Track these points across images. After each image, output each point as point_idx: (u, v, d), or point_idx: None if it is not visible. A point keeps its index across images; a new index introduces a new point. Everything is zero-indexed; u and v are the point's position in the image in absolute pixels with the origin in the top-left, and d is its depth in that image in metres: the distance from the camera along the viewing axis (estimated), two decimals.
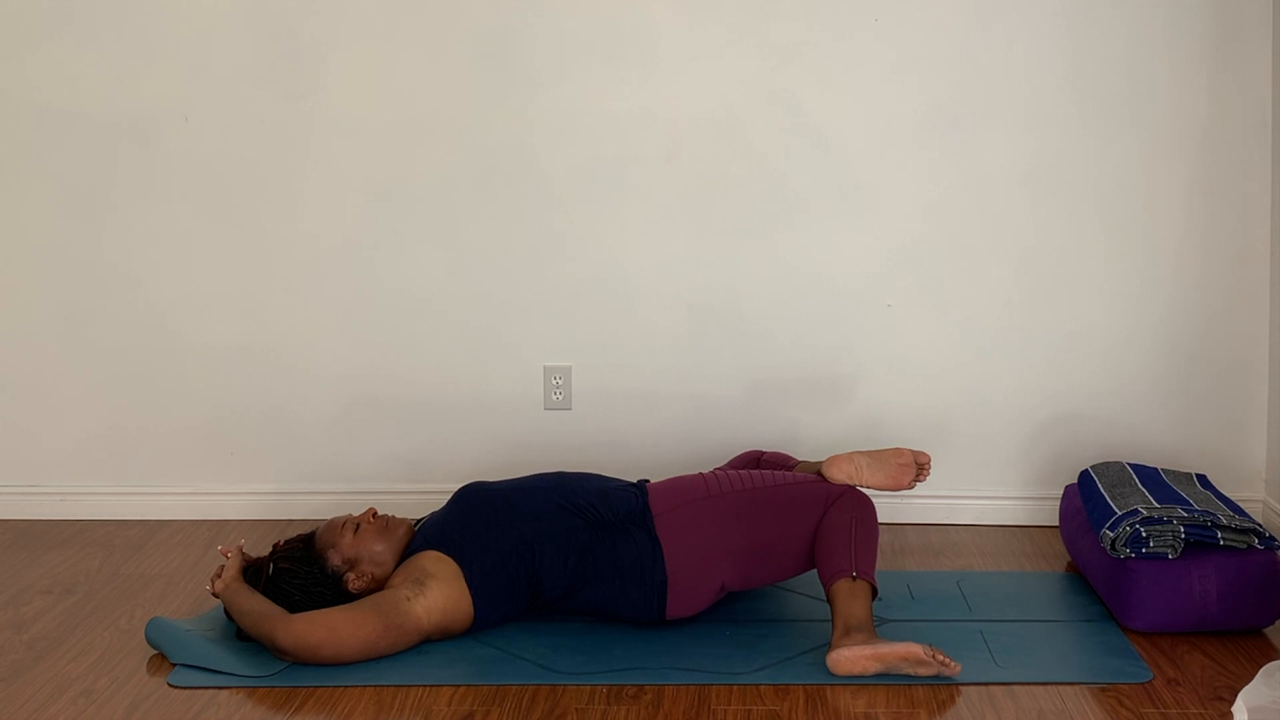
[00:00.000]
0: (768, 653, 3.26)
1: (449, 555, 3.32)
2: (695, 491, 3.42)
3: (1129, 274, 4.18)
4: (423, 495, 4.18)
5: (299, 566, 3.35)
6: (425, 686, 3.09)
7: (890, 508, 4.13)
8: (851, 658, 3.09)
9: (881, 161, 4.18)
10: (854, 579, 3.22)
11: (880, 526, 3.43)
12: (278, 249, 4.27)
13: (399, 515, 3.53)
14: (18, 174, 4.26)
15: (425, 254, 4.26)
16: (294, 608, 3.28)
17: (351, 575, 3.35)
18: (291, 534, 4.00)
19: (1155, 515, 3.39)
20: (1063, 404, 4.23)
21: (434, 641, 3.28)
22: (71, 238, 4.27)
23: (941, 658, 3.08)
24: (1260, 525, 3.42)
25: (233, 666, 3.17)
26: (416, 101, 4.20)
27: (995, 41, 4.12)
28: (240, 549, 3.42)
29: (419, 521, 3.55)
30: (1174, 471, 3.88)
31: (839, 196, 4.20)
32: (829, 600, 3.24)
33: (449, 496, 3.54)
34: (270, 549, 3.46)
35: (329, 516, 3.80)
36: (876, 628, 3.28)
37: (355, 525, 3.39)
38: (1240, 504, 3.72)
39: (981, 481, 4.28)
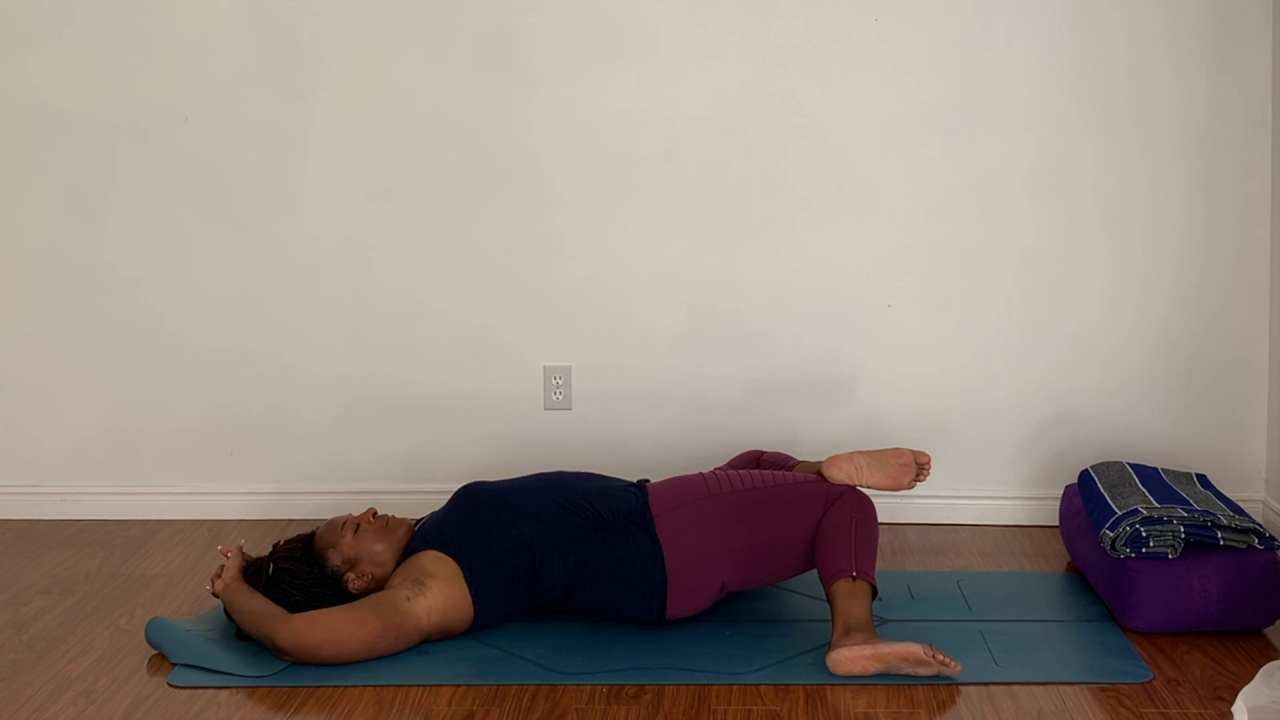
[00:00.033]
0: (768, 653, 3.26)
1: (449, 555, 3.32)
2: (695, 491, 3.42)
3: (1129, 274, 4.18)
4: (423, 495, 4.18)
5: (299, 566, 3.35)
6: (425, 686, 3.09)
7: (890, 508, 4.13)
8: (851, 658, 3.09)
9: (881, 161, 4.18)
10: (854, 579, 3.22)
11: (880, 526, 3.43)
12: (278, 249, 4.27)
13: (399, 515, 3.53)
14: (18, 174, 4.26)
15: (425, 254, 4.26)
16: (294, 608, 3.28)
17: (351, 575, 3.35)
18: (291, 534, 4.00)
19: (1155, 515, 3.39)
20: (1063, 404, 4.23)
21: (434, 641, 3.28)
22: (71, 238, 4.28)
23: (941, 658, 3.08)
24: (1260, 525, 3.42)
25: (233, 666, 3.17)
26: (416, 101, 4.20)
27: (995, 41, 4.12)
28: (240, 549, 3.42)
29: (419, 521, 3.55)
30: (1174, 471, 3.88)
31: (839, 196, 4.20)
32: (829, 600, 3.24)
33: (449, 496, 3.54)
34: (270, 549, 3.46)
35: (329, 516, 3.79)
36: (876, 628, 3.28)
37: (355, 525, 3.39)
38: (1240, 504, 3.72)
39: (981, 481, 4.28)
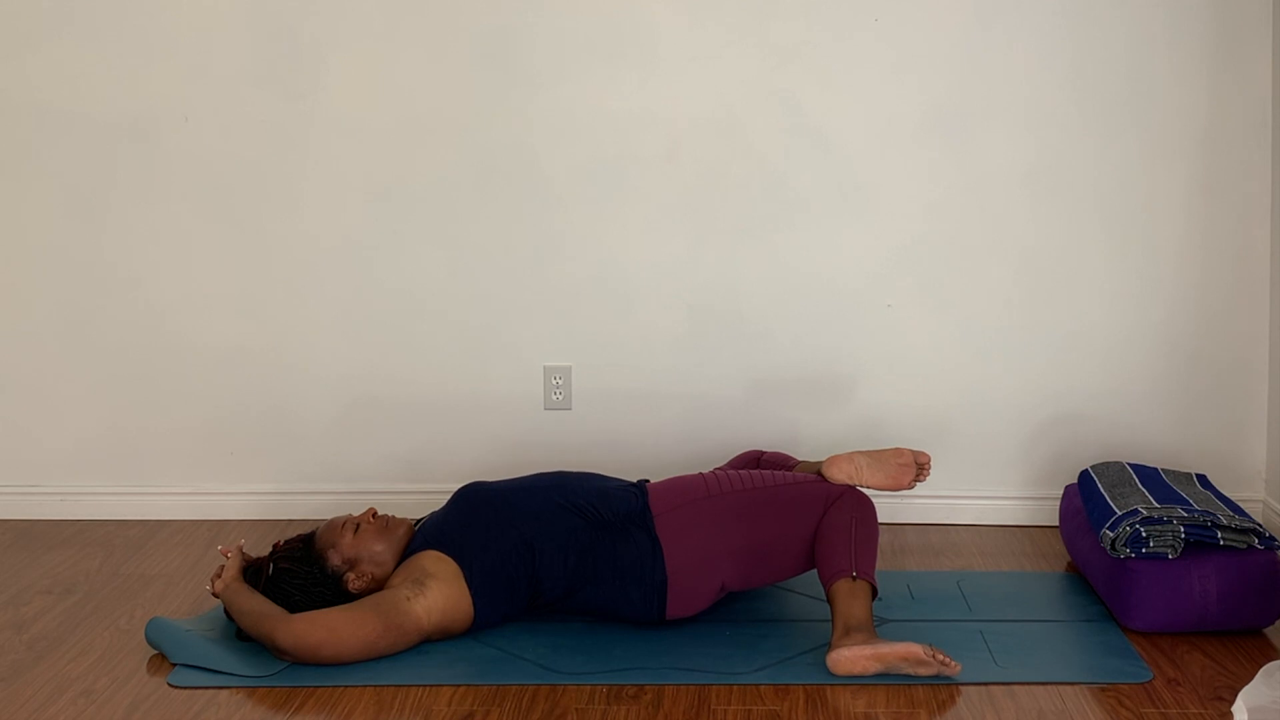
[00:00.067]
0: (768, 653, 3.26)
1: (449, 555, 3.32)
2: (695, 491, 3.42)
3: (1129, 274, 4.18)
4: (423, 495, 4.18)
5: (299, 566, 3.35)
6: (425, 686, 3.09)
7: (890, 508, 4.13)
8: (851, 658, 3.09)
9: (881, 161, 4.18)
10: (854, 579, 3.22)
11: (880, 526, 3.43)
12: (278, 249, 4.27)
13: (399, 515, 3.53)
14: (18, 174, 4.26)
15: (425, 254, 4.26)
16: (294, 608, 3.28)
17: (351, 575, 3.35)
18: (291, 534, 4.00)
19: (1155, 515, 3.39)
20: (1063, 404, 4.23)
21: (434, 641, 3.28)
22: (71, 238, 4.28)
23: (941, 658, 3.08)
24: (1260, 525, 3.42)
25: (233, 666, 3.17)
26: (416, 101, 4.20)
27: (995, 41, 4.12)
28: (240, 549, 3.42)
29: (419, 521, 3.55)
30: (1174, 471, 3.88)
31: (839, 196, 4.20)
32: (829, 600, 3.24)
33: (449, 496, 3.54)
34: (270, 549, 3.46)
35: (329, 516, 3.80)
36: (876, 628, 3.28)
37: (355, 525, 3.39)
38: (1240, 504, 3.72)
39: (981, 481, 4.28)
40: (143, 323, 4.30)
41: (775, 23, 4.14)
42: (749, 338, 4.25)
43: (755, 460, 3.76)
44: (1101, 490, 3.68)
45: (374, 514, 3.43)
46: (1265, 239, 4.14)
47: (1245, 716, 2.65)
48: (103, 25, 4.19)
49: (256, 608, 3.25)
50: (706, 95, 4.17)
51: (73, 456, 4.35)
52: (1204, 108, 4.10)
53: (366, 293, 4.28)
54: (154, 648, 3.28)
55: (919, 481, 3.47)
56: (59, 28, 4.20)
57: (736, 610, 3.51)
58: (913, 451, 3.46)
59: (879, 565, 3.52)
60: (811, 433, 4.25)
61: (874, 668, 3.09)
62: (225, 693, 3.07)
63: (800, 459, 3.87)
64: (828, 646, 3.18)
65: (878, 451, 3.46)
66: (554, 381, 4.29)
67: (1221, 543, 3.36)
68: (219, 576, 3.36)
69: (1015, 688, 3.08)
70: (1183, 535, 3.35)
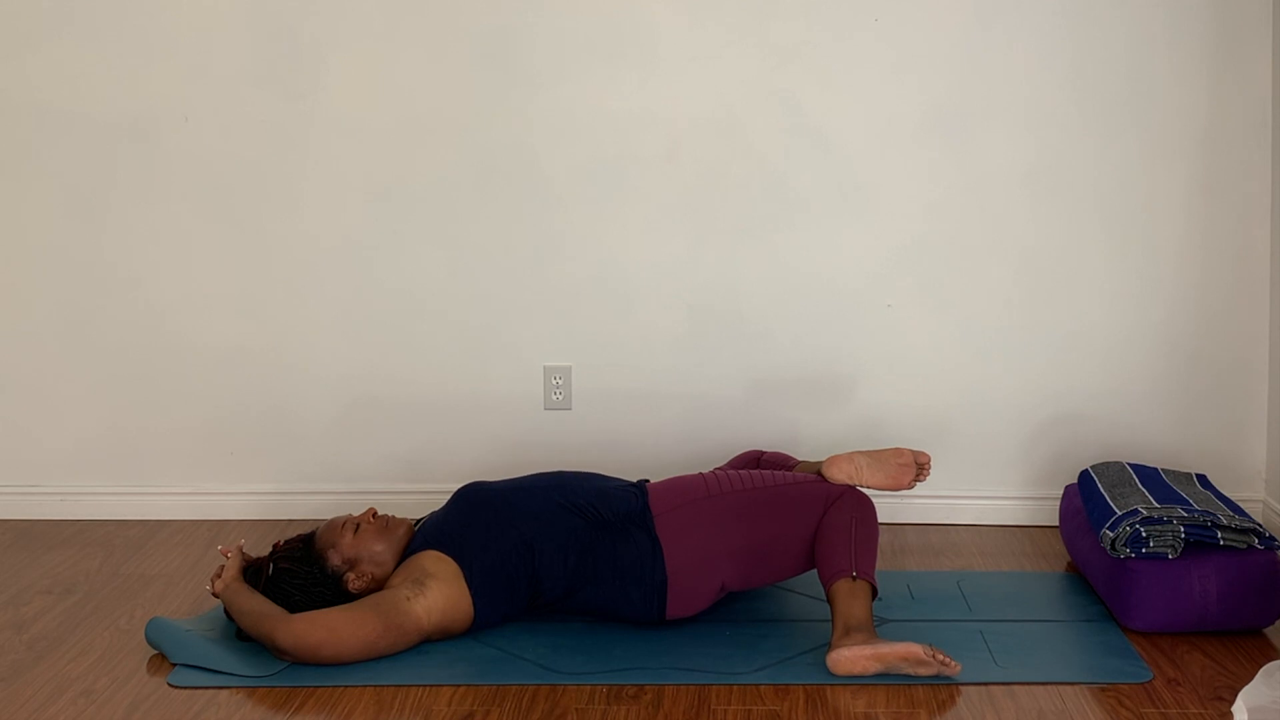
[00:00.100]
0: (768, 653, 3.26)
1: (449, 555, 3.32)
2: (695, 491, 3.42)
3: (1129, 274, 4.18)
4: (423, 495, 4.18)
5: (299, 566, 3.35)
6: (425, 686, 3.09)
7: (890, 508, 4.13)
8: (851, 658, 3.09)
9: (881, 161, 4.18)
10: (854, 579, 3.22)
11: (880, 526, 3.43)
12: (278, 249, 4.27)
13: (399, 515, 3.53)
14: (18, 174, 4.26)
15: (425, 254, 4.26)
16: (294, 608, 3.28)
17: (351, 575, 3.35)
18: (291, 534, 4.00)
19: (1155, 515, 3.39)
20: (1063, 404, 4.23)
21: (434, 641, 3.28)
22: (71, 238, 4.28)
23: (941, 658, 3.08)
24: (1260, 525, 3.42)
25: (233, 666, 3.17)
26: (416, 101, 4.20)
27: (995, 41, 4.12)
28: (240, 549, 3.42)
29: (419, 521, 3.55)
30: (1174, 471, 3.88)
31: (839, 196, 4.20)
32: (829, 600, 3.24)
33: (449, 496, 3.54)
34: (270, 549, 3.46)
35: (329, 516, 3.79)
36: (876, 628, 3.28)
37: (355, 525, 3.39)
38: (1240, 504, 3.72)
39: (981, 481, 4.28)
40: (143, 323, 4.30)
41: (775, 23, 4.14)
42: (749, 338, 4.25)
43: (755, 460, 3.76)
44: (1101, 490, 3.68)
45: (374, 514, 3.43)
46: (1265, 239, 4.14)
47: (1245, 716, 2.65)
48: (103, 25, 4.19)
49: (256, 608, 3.25)
50: (706, 95, 4.17)
51: (73, 456, 4.35)
52: (1204, 108, 4.10)
53: (366, 293, 4.28)
54: (154, 648, 3.28)
55: (919, 481, 3.47)
56: (59, 28, 4.20)
57: (736, 610, 3.51)
58: (913, 451, 3.46)
59: (879, 565, 3.52)
60: (811, 433, 4.25)
61: (874, 668, 3.09)
62: (225, 693, 3.07)
63: (800, 459, 3.87)
64: (828, 646, 3.18)
65: (878, 451, 3.46)
66: (554, 381, 4.29)
67: (1221, 543, 3.36)
68: (219, 576, 3.36)
69: (1015, 688, 3.08)
70: (1183, 535, 3.35)
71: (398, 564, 3.38)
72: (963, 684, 3.10)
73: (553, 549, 3.35)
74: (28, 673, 3.19)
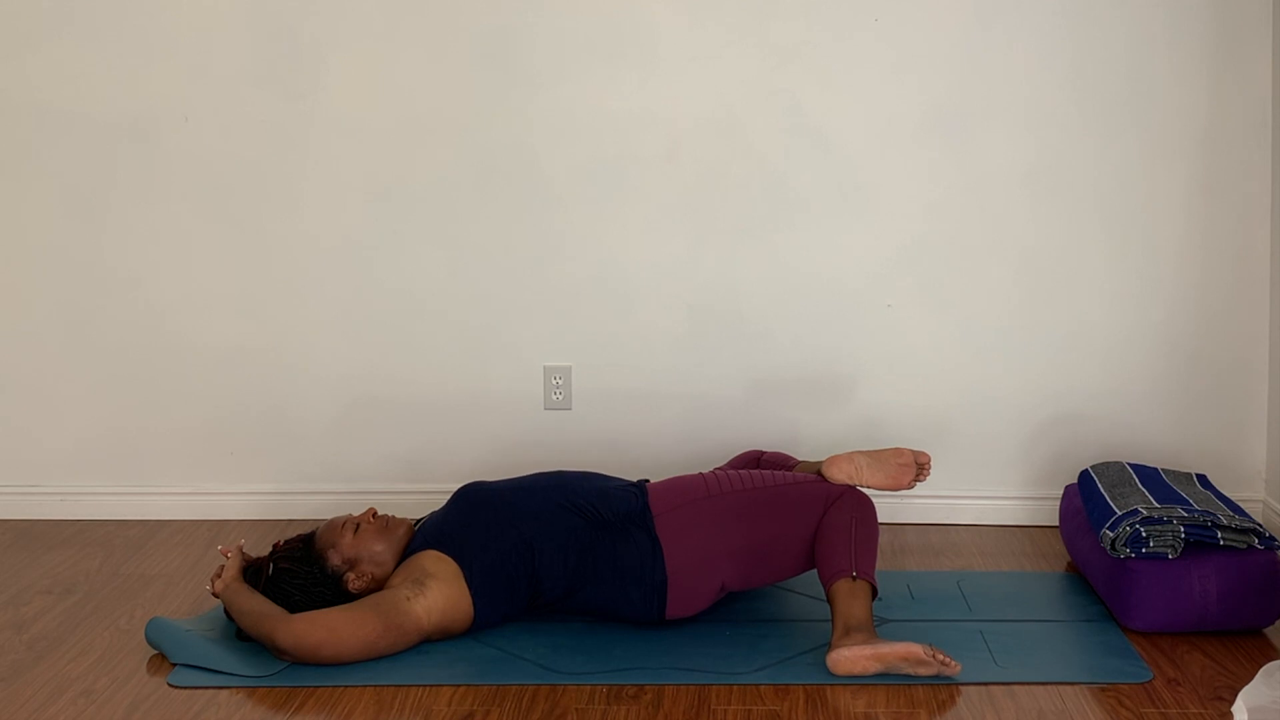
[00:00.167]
0: (768, 653, 3.26)
1: (449, 555, 3.32)
2: (695, 491, 3.42)
3: (1129, 274, 4.18)
4: (423, 495, 4.18)
5: (299, 566, 3.35)
6: (425, 686, 3.09)
7: (890, 508, 4.13)
8: (851, 658, 3.09)
9: (881, 161, 4.18)
10: (854, 579, 3.22)
11: (880, 526, 3.43)
12: (278, 249, 4.27)
13: (399, 515, 3.53)
14: (18, 174, 4.26)
15: (425, 254, 4.26)
16: (294, 608, 3.28)
17: (351, 575, 3.35)
18: (291, 534, 4.00)
19: (1155, 515, 3.39)
20: (1063, 404, 4.23)
21: (434, 641, 3.28)
22: (71, 238, 4.28)
23: (941, 657, 3.08)
24: (1260, 525, 3.42)
25: (233, 666, 3.17)
26: (416, 101, 4.20)
27: (995, 41, 4.12)
28: (240, 549, 3.42)
29: (419, 521, 3.55)
30: (1174, 471, 3.88)
31: (839, 196, 4.20)
32: (829, 600, 3.24)
33: (449, 496, 3.54)
34: (270, 549, 3.46)
35: (329, 516, 3.79)
36: (876, 628, 3.28)
37: (355, 525, 3.39)
38: (1240, 504, 3.72)
39: (981, 481, 4.27)
40: (143, 323, 4.30)
41: (775, 23, 4.14)
42: (749, 338, 4.25)
43: (755, 460, 3.76)
44: (1101, 490, 3.68)
45: (374, 514, 3.43)
46: (1265, 239, 4.14)
47: (1245, 716, 2.65)
48: (103, 25, 4.19)
49: (256, 608, 3.25)
50: (706, 95, 4.17)
51: (73, 456, 4.35)
52: (1204, 108, 4.10)
53: (366, 293, 4.28)
54: (154, 648, 3.28)
55: (919, 481, 3.47)
56: (59, 28, 4.20)
57: (736, 610, 3.51)
58: (913, 451, 3.46)
59: (879, 565, 3.52)
60: (811, 433, 4.25)
61: (874, 668, 3.09)
62: (225, 693, 3.07)
63: (800, 459, 3.87)
64: (828, 646, 3.18)
65: (878, 451, 3.46)
66: (554, 381, 4.29)
67: (1221, 543, 3.36)
68: (219, 576, 3.36)
69: (1015, 688, 3.08)
70: (1183, 535, 3.35)
71: (398, 564, 3.38)
72: (963, 684, 3.10)
73: (553, 549, 3.35)
74: (28, 673, 3.19)
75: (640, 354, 4.27)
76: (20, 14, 4.20)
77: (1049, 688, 3.08)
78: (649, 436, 4.29)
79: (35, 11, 4.19)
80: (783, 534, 3.36)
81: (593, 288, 4.25)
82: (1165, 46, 4.09)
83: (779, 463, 3.72)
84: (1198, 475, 3.87)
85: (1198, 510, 3.42)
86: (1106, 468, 3.85)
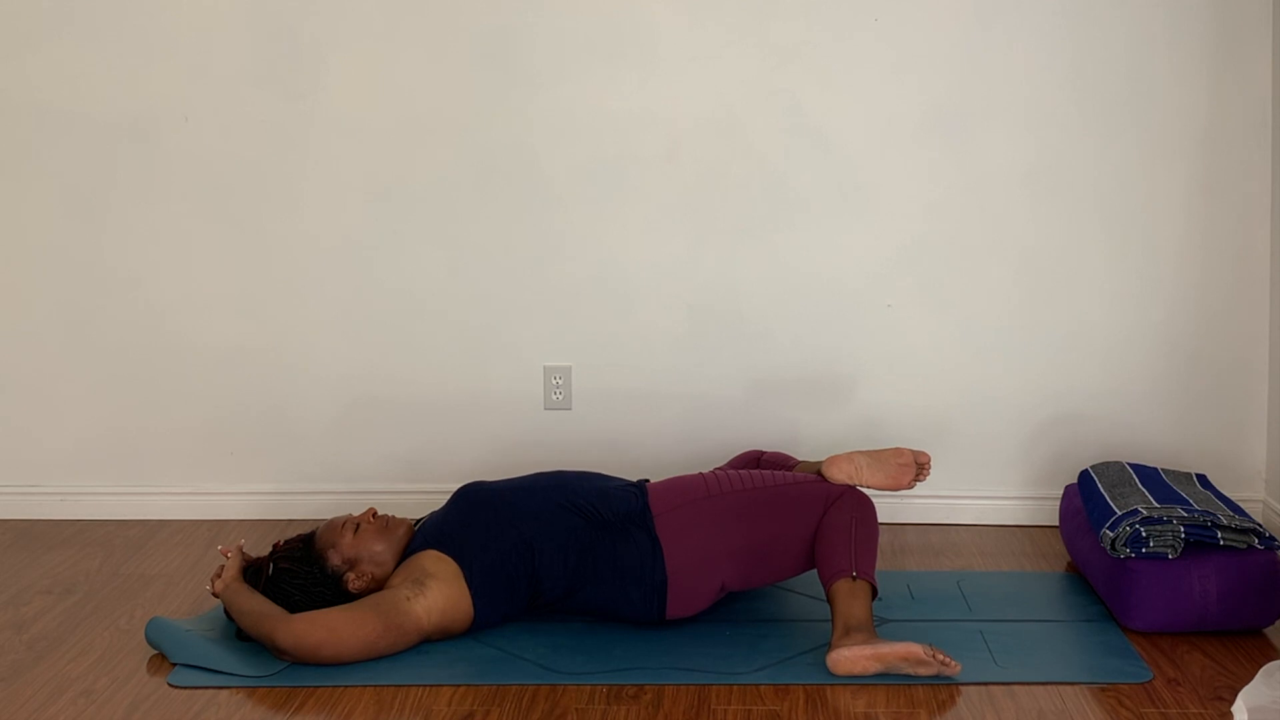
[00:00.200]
0: (768, 653, 3.26)
1: (449, 555, 3.32)
2: (695, 491, 3.42)
3: (1129, 274, 4.18)
4: (423, 495, 4.18)
5: (299, 566, 3.35)
6: (425, 686, 3.09)
7: (890, 508, 4.13)
8: (851, 658, 3.09)
9: (881, 161, 4.18)
10: (854, 579, 3.22)
11: (880, 526, 3.43)
12: (278, 249, 4.27)
13: (399, 515, 3.53)
14: (18, 174, 4.26)
15: (425, 254, 4.26)
16: (294, 608, 3.28)
17: (351, 575, 3.35)
18: (291, 534, 4.00)
19: (1155, 515, 3.39)
20: (1063, 404, 4.23)
21: (434, 641, 3.28)
22: (71, 238, 4.28)
23: (941, 657, 3.08)
24: (1260, 525, 3.42)
25: (233, 666, 3.17)
26: (416, 101, 4.20)
27: (995, 41, 4.12)
28: (240, 549, 3.42)
29: (419, 521, 3.55)
30: (1174, 471, 3.88)
31: (839, 196, 4.20)
32: (829, 600, 3.24)
33: (449, 496, 3.54)
34: (270, 549, 3.46)
35: (329, 516, 3.80)
36: (876, 628, 3.28)
37: (355, 525, 3.39)
38: (1240, 504, 3.72)
39: (981, 481, 4.28)
40: (143, 323, 4.30)
41: (775, 23, 4.14)
42: (749, 338, 4.25)
43: (755, 460, 3.76)
44: (1101, 490, 3.68)
45: (374, 514, 3.43)
46: (1265, 239, 4.14)
47: (1245, 716, 2.65)
48: (103, 25, 4.19)
49: (256, 608, 3.25)
50: (706, 95, 4.17)
51: (73, 456, 4.35)
52: (1204, 108, 4.10)
53: (366, 293, 4.28)
54: (154, 648, 3.28)
55: (919, 481, 3.47)
56: (59, 28, 4.20)
57: (736, 610, 3.51)
58: (913, 451, 3.46)
59: (879, 565, 3.52)
60: (811, 433, 4.25)
61: (874, 668, 3.09)
62: (225, 693, 3.07)
63: (800, 459, 3.87)
64: (828, 646, 3.18)
65: (878, 451, 3.46)
66: (554, 381, 4.29)
67: (1221, 543, 3.36)
68: (219, 576, 3.36)
69: (1015, 688, 3.08)
70: (1183, 535, 3.35)
71: (398, 564, 3.38)
72: (963, 684, 3.10)
73: (553, 549, 3.35)
74: (28, 673, 3.19)
75: (640, 354, 4.27)
76: (20, 14, 4.20)
77: (1049, 688, 3.08)
78: (649, 436, 4.29)
79: (35, 11, 4.19)
80: (783, 534, 3.36)
81: (593, 288, 4.26)
82: (1165, 46, 4.09)
83: (779, 463, 3.72)
84: (1198, 475, 3.87)
85: (1198, 510, 3.42)
86: (1106, 468, 3.85)
